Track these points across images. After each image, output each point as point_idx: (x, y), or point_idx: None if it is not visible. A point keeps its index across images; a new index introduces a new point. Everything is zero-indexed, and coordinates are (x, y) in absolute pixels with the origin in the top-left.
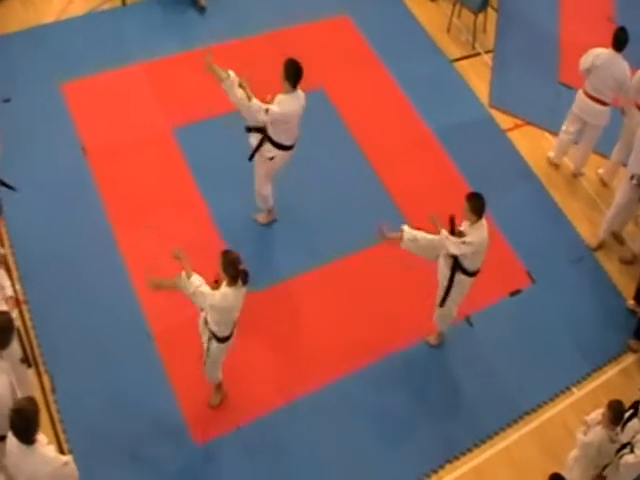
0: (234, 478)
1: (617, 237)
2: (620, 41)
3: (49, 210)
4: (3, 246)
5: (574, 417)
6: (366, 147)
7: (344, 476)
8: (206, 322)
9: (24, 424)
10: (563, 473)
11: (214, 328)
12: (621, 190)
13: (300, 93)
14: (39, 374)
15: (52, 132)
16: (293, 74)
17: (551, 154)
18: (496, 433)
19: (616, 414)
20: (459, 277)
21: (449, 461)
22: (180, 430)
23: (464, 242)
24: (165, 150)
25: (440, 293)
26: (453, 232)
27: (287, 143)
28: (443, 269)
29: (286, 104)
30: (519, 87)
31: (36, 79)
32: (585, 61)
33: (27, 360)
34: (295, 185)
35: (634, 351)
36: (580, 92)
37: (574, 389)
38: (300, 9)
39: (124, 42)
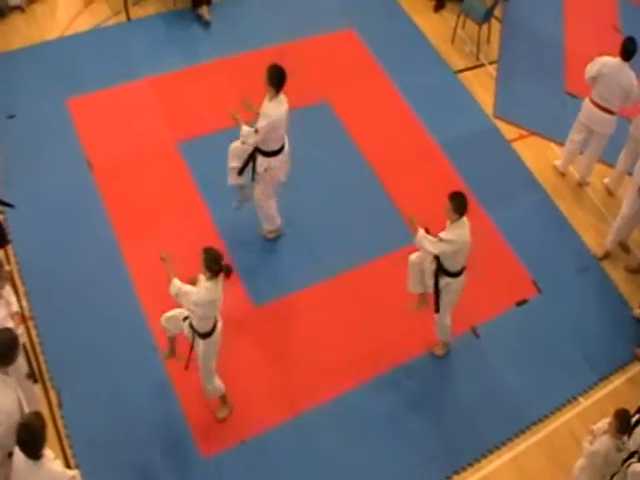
0: None
1: (623, 246)
2: (629, 51)
3: (55, 225)
4: (9, 263)
5: (581, 427)
6: (371, 159)
7: None
8: (190, 325)
9: (31, 439)
10: None
11: (198, 324)
12: (627, 201)
13: (283, 97)
14: (45, 389)
15: (57, 147)
16: (277, 79)
17: (557, 162)
18: (503, 443)
19: (623, 423)
20: (444, 280)
21: (456, 472)
22: (187, 444)
23: (441, 240)
24: (170, 164)
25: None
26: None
27: (275, 147)
28: (428, 276)
29: (272, 111)
30: (524, 97)
31: (41, 95)
32: (591, 69)
33: (33, 375)
34: (300, 197)
35: None
36: (587, 100)
37: (581, 399)
38: (305, 23)
39: (129, 57)
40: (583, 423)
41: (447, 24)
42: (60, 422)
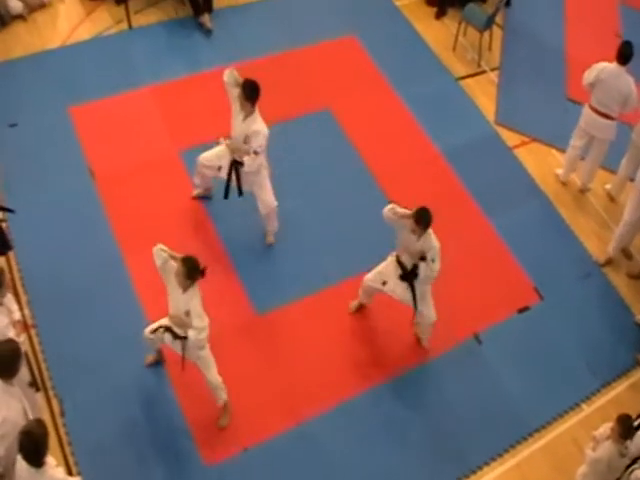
0: None
1: (625, 252)
2: (625, 55)
3: (57, 234)
4: (12, 271)
5: (584, 433)
6: (373, 166)
7: None
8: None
9: (33, 447)
10: None
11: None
12: (629, 207)
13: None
14: (48, 397)
15: (59, 156)
16: (254, 94)
17: (559, 171)
18: (506, 450)
19: (625, 428)
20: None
21: (458, 479)
22: (189, 452)
23: (433, 260)
24: (172, 173)
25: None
26: None
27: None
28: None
29: (262, 126)
30: (525, 104)
31: (43, 103)
32: (589, 75)
33: (35, 384)
34: (302, 205)
35: None
36: (586, 106)
37: (583, 405)
38: (306, 30)
39: (130, 66)
40: (585, 430)
41: (448, 31)
42: (62, 430)
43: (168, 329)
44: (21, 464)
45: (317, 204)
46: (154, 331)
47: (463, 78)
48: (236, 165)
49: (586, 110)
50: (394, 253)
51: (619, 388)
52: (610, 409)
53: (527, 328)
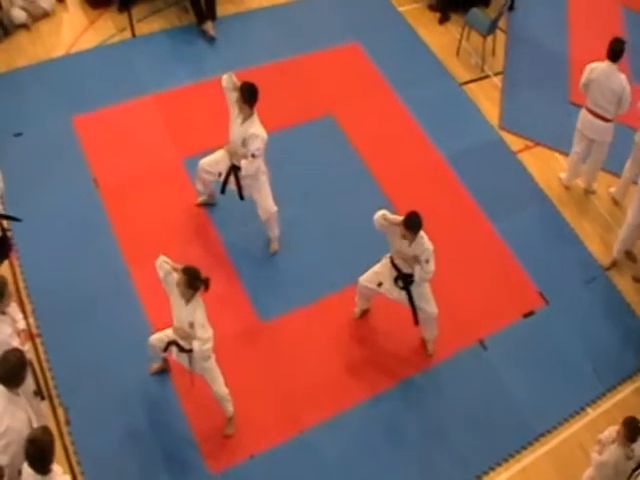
0: None
1: (630, 255)
2: (615, 51)
3: (61, 243)
4: (16, 280)
5: (589, 438)
6: (376, 172)
7: None
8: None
9: (39, 454)
10: None
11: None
12: (632, 210)
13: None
14: (53, 406)
15: (63, 165)
16: (253, 97)
17: (562, 175)
18: (511, 455)
19: (632, 431)
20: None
21: None
22: (194, 460)
23: (427, 261)
24: (176, 181)
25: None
26: None
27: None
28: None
29: (260, 129)
30: (529, 108)
31: (47, 112)
32: (583, 76)
33: (40, 393)
34: (305, 211)
35: None
36: (583, 109)
37: (589, 409)
38: (309, 37)
39: (134, 74)
40: (591, 434)
41: (452, 36)
42: (68, 439)
43: (173, 342)
44: (27, 472)
45: (320, 210)
46: (165, 349)
47: (466, 83)
48: (235, 169)
49: (583, 112)
50: (388, 255)
51: (625, 392)
52: (616, 413)
53: (532, 333)
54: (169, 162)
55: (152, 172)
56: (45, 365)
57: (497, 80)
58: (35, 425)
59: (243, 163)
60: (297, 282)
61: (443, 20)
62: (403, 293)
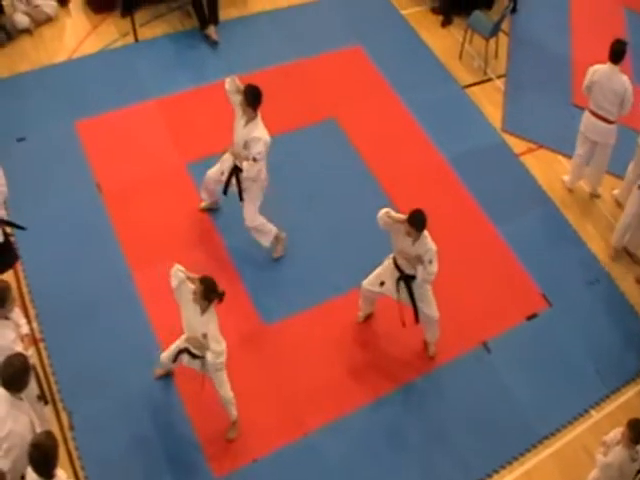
0: None
1: (633, 257)
2: (617, 53)
3: (64, 248)
4: (20, 285)
5: (593, 440)
6: (379, 175)
7: None
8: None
9: (43, 459)
10: None
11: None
12: (630, 200)
13: (259, 115)
14: (57, 411)
15: (66, 170)
16: (256, 99)
17: (565, 178)
18: (515, 458)
19: (636, 433)
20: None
21: None
22: (198, 464)
23: (430, 261)
24: (179, 185)
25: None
26: None
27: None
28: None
29: (262, 132)
30: (532, 111)
31: (49, 117)
32: (585, 79)
33: (44, 397)
34: (308, 214)
35: None
36: (586, 111)
37: (593, 412)
38: (312, 41)
39: (137, 79)
40: (595, 436)
41: (454, 39)
42: (72, 444)
43: (184, 350)
44: (31, 476)
45: (323, 213)
46: (175, 359)
47: (469, 86)
48: (237, 171)
49: (586, 115)
50: (391, 256)
51: (628, 394)
52: (619, 415)
53: (535, 335)
54: (172, 167)
55: (155, 177)
56: (49, 370)
57: (500, 83)
58: (38, 430)
59: (245, 165)
60: (300, 285)
61: (446, 23)
62: (405, 292)
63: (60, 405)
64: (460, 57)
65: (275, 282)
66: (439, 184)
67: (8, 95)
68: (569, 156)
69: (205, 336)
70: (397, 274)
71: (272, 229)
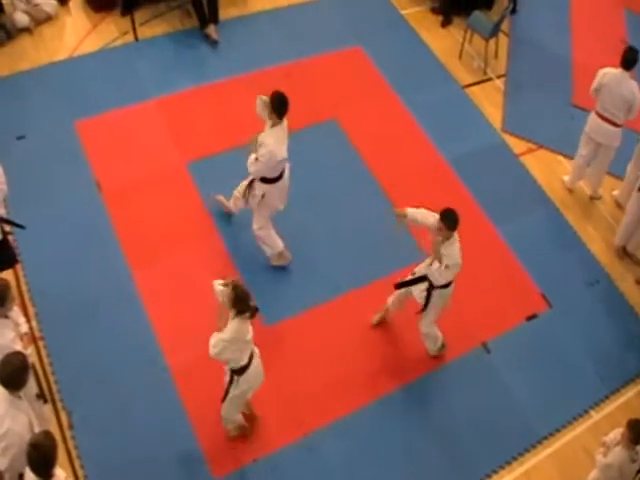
0: None
1: (632, 258)
2: (629, 60)
3: (64, 247)
4: (19, 284)
5: (593, 440)
6: (379, 175)
7: None
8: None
9: (42, 459)
10: None
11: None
12: (631, 201)
13: (285, 123)
14: (56, 410)
15: (66, 169)
16: (279, 106)
17: (565, 178)
18: (514, 458)
19: (636, 433)
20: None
21: None
22: (198, 464)
23: (447, 266)
24: (179, 185)
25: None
26: None
27: (273, 175)
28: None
29: (270, 139)
30: (532, 111)
31: (49, 116)
32: (594, 81)
33: (43, 396)
34: (309, 215)
35: None
36: (592, 113)
37: (592, 412)
38: (312, 41)
39: (137, 78)
40: (594, 437)
41: (454, 39)
42: (71, 443)
43: None
44: (29, 476)
45: (324, 214)
46: None
47: (469, 86)
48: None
49: (592, 116)
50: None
51: (628, 395)
52: (619, 416)
53: (535, 336)
54: (172, 166)
55: (155, 176)
56: (48, 368)
57: (500, 83)
58: (37, 429)
59: (249, 158)
60: (301, 286)
61: (445, 23)
62: (424, 294)
63: (59, 404)
64: (460, 57)
65: (276, 282)
66: (439, 184)
67: (8, 94)
68: (569, 156)
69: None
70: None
71: (278, 246)
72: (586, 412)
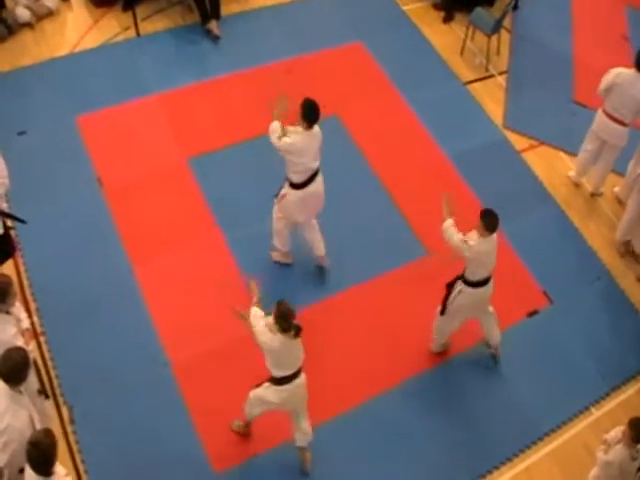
0: None
1: (634, 255)
2: None
3: (65, 242)
4: (21, 279)
5: (593, 437)
6: (381, 172)
7: None
8: None
9: (41, 457)
10: None
11: (268, 366)
12: (632, 198)
13: (316, 130)
14: (57, 405)
15: (67, 165)
16: (308, 113)
17: (571, 173)
18: (515, 454)
19: (637, 432)
20: (460, 285)
21: None
22: (198, 459)
23: (466, 242)
24: (180, 180)
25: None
26: None
27: (298, 181)
28: None
29: (296, 138)
30: (533, 108)
31: (50, 112)
32: (606, 80)
33: (44, 392)
34: None
35: None
36: (600, 111)
37: (593, 409)
38: (313, 37)
39: (138, 73)
40: (595, 433)
41: (456, 36)
42: (72, 438)
43: None
44: (29, 473)
45: (325, 211)
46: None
47: (471, 82)
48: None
49: (599, 115)
50: None
51: (628, 392)
52: (620, 413)
53: (536, 332)
54: (174, 162)
55: (156, 172)
56: (50, 364)
57: (501, 79)
58: (38, 425)
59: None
60: (301, 282)
61: (447, 19)
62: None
63: (61, 399)
64: (462, 53)
65: (275, 278)
66: (440, 181)
67: (9, 89)
68: (571, 153)
69: None
70: None
71: (284, 245)
72: (587, 409)
